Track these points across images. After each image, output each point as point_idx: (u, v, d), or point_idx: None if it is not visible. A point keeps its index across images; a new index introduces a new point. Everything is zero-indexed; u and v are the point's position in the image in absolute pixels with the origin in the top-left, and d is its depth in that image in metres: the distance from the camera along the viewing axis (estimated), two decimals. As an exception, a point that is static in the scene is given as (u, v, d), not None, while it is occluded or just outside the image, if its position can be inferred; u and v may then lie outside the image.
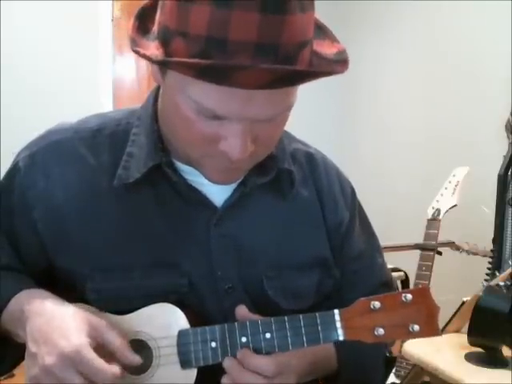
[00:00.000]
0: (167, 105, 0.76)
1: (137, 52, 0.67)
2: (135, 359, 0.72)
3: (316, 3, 0.68)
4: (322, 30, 0.74)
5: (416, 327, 0.74)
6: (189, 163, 0.81)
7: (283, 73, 0.63)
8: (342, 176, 0.97)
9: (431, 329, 0.74)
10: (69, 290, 0.80)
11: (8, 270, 0.82)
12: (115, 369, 0.69)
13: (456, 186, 2.17)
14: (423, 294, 0.75)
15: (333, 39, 0.74)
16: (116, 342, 0.71)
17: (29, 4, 3.01)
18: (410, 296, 0.74)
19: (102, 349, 0.70)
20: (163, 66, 0.69)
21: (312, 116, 3.59)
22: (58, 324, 0.71)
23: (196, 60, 0.63)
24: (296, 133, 0.97)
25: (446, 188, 2.20)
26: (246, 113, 0.67)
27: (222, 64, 0.62)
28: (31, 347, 0.71)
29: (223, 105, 0.66)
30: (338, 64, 0.70)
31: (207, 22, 0.62)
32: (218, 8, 0.61)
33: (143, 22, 0.72)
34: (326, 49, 0.72)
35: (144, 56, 0.67)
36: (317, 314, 0.75)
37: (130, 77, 3.49)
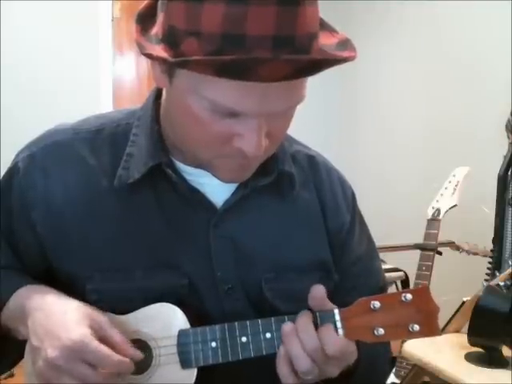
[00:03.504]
0: (175, 107, 0.74)
1: (149, 55, 0.67)
2: (136, 354, 0.72)
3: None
4: (320, 23, 0.74)
5: (416, 327, 0.73)
6: (193, 164, 0.81)
7: (302, 63, 0.64)
8: (344, 179, 0.96)
9: (431, 328, 0.74)
10: (69, 292, 0.80)
11: (7, 269, 0.82)
12: (125, 359, 0.69)
13: (456, 186, 2.17)
14: (423, 294, 0.75)
15: (331, 30, 0.74)
16: (117, 337, 0.71)
17: (29, 4, 3.01)
18: (409, 296, 0.74)
19: (104, 344, 0.70)
20: (179, 66, 0.67)
21: (312, 116, 3.58)
22: (59, 317, 0.71)
23: (217, 57, 0.62)
24: (296, 133, 0.96)
25: (446, 188, 2.20)
26: (263, 107, 0.67)
27: (245, 59, 0.62)
28: (33, 341, 0.71)
29: (241, 101, 0.66)
30: (346, 52, 0.70)
31: (222, 20, 0.62)
32: (233, 4, 0.61)
33: (144, 25, 0.72)
34: (326, 40, 0.72)
35: (158, 58, 0.67)
36: (317, 314, 0.75)
37: (129, 77, 3.49)
